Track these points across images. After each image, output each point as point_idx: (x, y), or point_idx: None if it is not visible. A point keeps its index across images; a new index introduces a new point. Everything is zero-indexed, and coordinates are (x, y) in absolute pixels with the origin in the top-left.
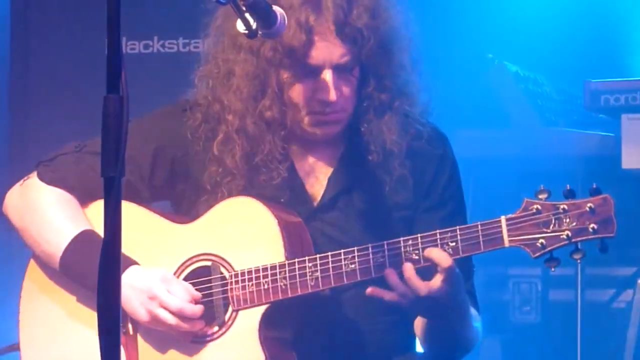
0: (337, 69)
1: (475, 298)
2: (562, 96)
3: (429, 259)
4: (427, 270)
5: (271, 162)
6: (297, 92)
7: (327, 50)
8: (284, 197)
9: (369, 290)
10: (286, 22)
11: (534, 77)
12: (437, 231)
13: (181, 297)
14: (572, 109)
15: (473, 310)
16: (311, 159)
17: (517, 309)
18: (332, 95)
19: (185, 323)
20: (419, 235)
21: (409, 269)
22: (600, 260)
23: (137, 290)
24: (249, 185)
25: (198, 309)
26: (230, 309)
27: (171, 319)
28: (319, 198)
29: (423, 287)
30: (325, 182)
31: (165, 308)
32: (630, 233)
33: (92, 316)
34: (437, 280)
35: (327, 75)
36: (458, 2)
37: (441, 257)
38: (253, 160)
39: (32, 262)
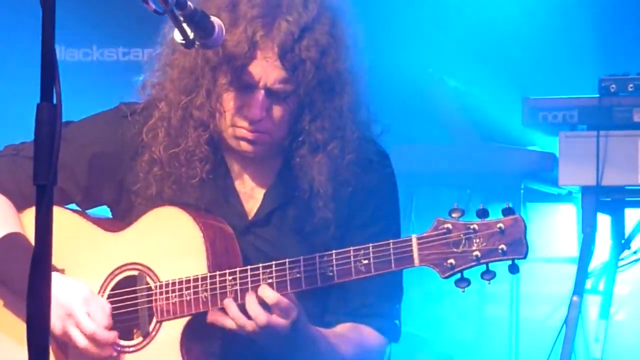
0: (270, 93)
1: (393, 321)
2: (501, 112)
3: (260, 298)
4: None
5: (191, 158)
6: (227, 101)
7: (265, 70)
8: (221, 209)
9: (209, 318)
10: (224, 32)
11: (473, 92)
12: (351, 248)
13: (98, 321)
14: (511, 125)
15: (364, 336)
16: (248, 174)
17: (453, 324)
18: (257, 114)
19: (95, 347)
20: (333, 251)
21: (250, 300)
22: (536, 277)
23: (56, 304)
24: (181, 188)
25: (110, 336)
26: (154, 320)
27: (82, 341)
28: (253, 213)
29: (262, 315)
30: (260, 198)
31: (79, 329)
32: None
33: (18, 322)
34: (275, 315)
35: (259, 95)
36: (398, 16)
37: (267, 294)
38: (175, 150)
39: None
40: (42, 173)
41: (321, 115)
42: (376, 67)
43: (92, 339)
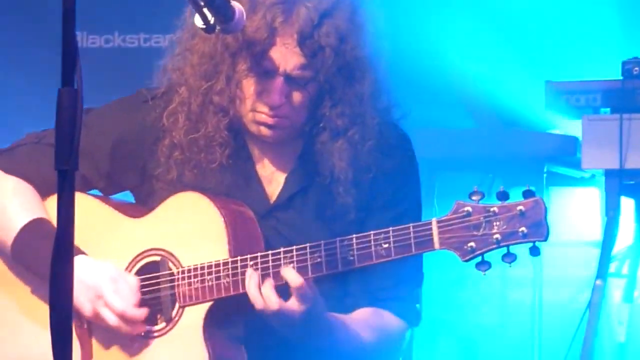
0: (289, 79)
1: (413, 305)
2: (523, 96)
3: (283, 279)
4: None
5: (211, 143)
6: (247, 87)
7: (285, 56)
8: (242, 193)
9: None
10: (244, 17)
11: (495, 76)
12: (372, 232)
13: (126, 299)
14: (533, 109)
15: (385, 321)
16: (269, 158)
17: (476, 309)
18: (276, 100)
19: (127, 325)
20: (354, 236)
21: (266, 284)
22: (559, 261)
23: (85, 286)
24: (201, 173)
25: (140, 313)
26: (177, 305)
27: (113, 320)
28: (275, 197)
29: (275, 302)
30: (282, 181)
31: (109, 308)
32: None
33: (44, 308)
34: (292, 300)
35: (278, 81)
36: (420, 0)
37: (291, 277)
38: (194, 135)
39: None
40: (63, 158)
41: (341, 101)
42: (398, 51)
43: (122, 317)
